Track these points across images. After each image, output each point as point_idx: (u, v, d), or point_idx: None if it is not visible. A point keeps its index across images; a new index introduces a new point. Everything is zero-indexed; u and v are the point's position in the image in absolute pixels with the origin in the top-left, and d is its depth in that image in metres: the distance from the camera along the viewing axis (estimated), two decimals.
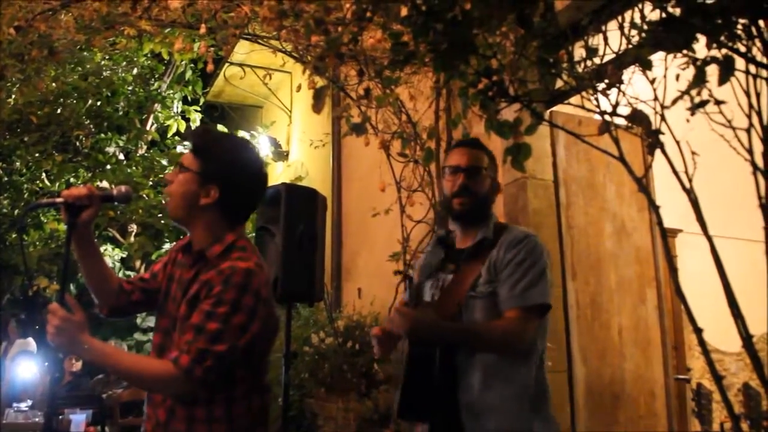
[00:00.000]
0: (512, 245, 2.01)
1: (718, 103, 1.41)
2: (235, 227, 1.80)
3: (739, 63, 1.39)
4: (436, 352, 2.01)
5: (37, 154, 7.89)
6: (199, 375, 1.61)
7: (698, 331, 1.46)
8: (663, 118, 1.55)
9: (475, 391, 1.96)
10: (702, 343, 1.48)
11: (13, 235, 7.69)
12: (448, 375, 2.01)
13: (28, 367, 6.66)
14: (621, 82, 1.64)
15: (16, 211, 7.97)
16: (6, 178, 8.08)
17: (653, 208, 1.61)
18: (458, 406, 1.98)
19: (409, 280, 2.14)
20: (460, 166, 2.14)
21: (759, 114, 1.38)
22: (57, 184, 8.10)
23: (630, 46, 1.62)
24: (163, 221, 7.52)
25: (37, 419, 5.26)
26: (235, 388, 1.70)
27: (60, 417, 5.40)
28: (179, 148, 8.41)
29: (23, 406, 5.62)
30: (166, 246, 7.78)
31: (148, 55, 8.15)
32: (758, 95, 1.39)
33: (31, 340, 7.19)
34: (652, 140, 1.53)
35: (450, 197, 2.15)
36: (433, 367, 2.00)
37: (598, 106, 1.72)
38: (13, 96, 6.75)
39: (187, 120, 8.33)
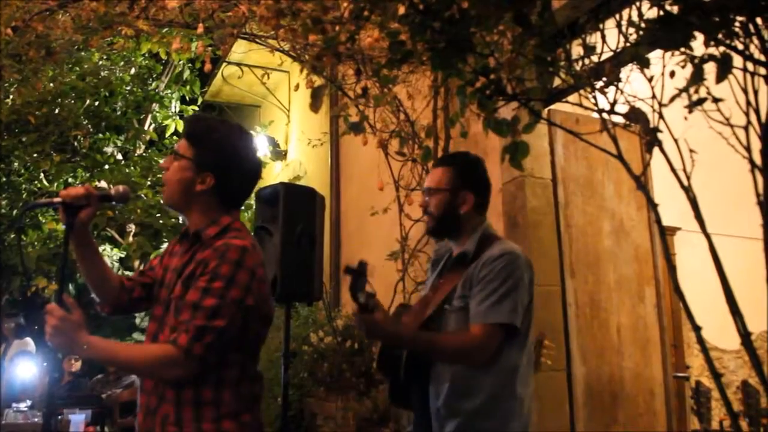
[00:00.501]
0: (488, 262, 2.04)
1: (716, 100, 1.41)
2: (231, 211, 1.82)
3: (737, 60, 1.39)
4: (403, 352, 2.10)
5: (35, 155, 7.86)
6: (199, 353, 1.59)
7: (697, 329, 1.46)
8: (661, 116, 1.55)
9: (442, 398, 2.02)
10: (701, 340, 1.48)
11: (12, 236, 7.66)
12: (418, 375, 2.07)
13: (26, 368, 6.64)
14: (619, 80, 1.64)
15: (14, 212, 7.95)
16: (4, 179, 8.05)
17: (652, 206, 1.61)
18: (429, 410, 2.05)
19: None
20: (423, 188, 2.26)
21: (757, 111, 1.38)
22: (55, 184, 8.07)
23: (628, 44, 1.62)
24: (161, 221, 7.50)
25: (36, 419, 5.24)
26: (226, 372, 1.68)
27: (59, 417, 5.39)
28: None
29: (22, 406, 5.60)
30: (165, 246, 7.75)
31: (146, 55, 8.14)
32: (756, 93, 1.39)
33: (29, 340, 7.17)
34: (650, 138, 1.53)
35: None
36: (400, 362, 2.08)
37: (596, 104, 1.71)
38: (11, 96, 6.75)
39: None
